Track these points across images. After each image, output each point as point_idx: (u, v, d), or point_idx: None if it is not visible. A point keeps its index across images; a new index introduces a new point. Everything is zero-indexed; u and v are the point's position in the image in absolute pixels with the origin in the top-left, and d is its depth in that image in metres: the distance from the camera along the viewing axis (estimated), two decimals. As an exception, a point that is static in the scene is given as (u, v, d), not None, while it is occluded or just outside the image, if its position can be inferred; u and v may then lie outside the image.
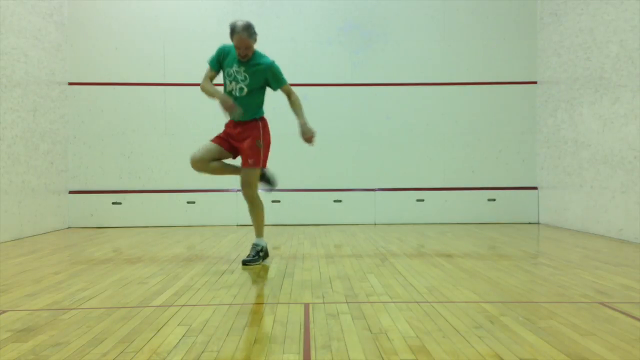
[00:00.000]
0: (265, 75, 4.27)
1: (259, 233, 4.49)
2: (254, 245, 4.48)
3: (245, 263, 4.35)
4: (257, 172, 4.37)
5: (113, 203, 7.60)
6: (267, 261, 4.58)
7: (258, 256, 4.42)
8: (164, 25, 7.69)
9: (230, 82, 4.29)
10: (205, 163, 4.32)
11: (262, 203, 4.48)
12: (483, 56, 7.85)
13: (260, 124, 4.39)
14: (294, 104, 4.35)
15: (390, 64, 7.82)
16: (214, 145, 4.35)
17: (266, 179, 4.53)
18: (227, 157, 4.46)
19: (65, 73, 7.45)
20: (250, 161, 4.31)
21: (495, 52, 7.85)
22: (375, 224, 7.72)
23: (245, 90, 4.26)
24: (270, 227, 7.42)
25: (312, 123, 7.81)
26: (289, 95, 4.37)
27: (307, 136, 4.33)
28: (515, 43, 7.84)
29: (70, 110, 7.54)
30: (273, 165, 8.10)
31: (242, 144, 4.34)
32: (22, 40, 6.39)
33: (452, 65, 7.85)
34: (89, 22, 7.61)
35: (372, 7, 7.83)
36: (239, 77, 4.25)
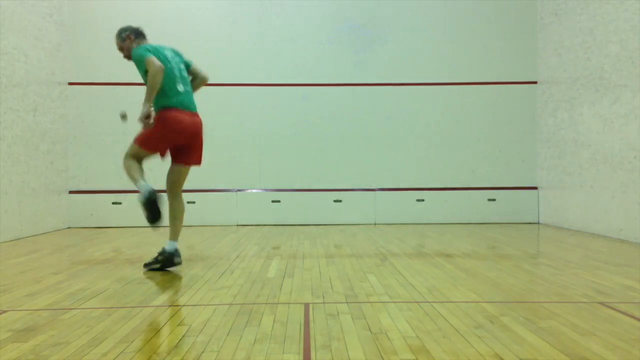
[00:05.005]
0: (137, 66, 4.14)
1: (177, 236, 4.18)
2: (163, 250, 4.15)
3: (146, 265, 4.18)
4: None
5: (113, 203, 7.59)
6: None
7: (156, 260, 4.13)
8: (164, 25, 7.69)
9: None
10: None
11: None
12: (483, 56, 7.84)
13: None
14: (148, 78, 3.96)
15: (390, 64, 7.82)
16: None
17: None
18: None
19: (65, 73, 7.45)
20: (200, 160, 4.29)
21: (495, 52, 7.84)
22: (375, 224, 7.72)
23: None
24: (270, 227, 7.43)
25: (313, 123, 7.99)
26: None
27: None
28: (515, 43, 7.84)
29: (70, 110, 7.54)
30: (273, 164, 8.14)
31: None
32: (22, 40, 6.39)
33: (452, 65, 7.84)
34: (89, 22, 7.61)
35: (373, 7, 7.82)
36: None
